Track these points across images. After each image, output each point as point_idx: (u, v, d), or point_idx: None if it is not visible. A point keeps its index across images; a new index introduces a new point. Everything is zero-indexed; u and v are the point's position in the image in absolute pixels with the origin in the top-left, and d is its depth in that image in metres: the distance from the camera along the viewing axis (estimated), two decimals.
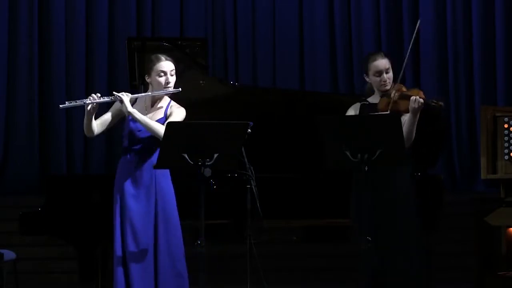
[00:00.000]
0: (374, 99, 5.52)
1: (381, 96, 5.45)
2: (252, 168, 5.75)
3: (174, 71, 5.42)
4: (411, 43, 5.47)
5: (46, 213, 6.17)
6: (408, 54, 5.46)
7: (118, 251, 5.34)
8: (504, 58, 10.05)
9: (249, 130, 5.14)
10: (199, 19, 10.23)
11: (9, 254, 6.67)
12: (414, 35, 5.46)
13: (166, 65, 5.40)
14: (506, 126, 6.64)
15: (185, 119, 5.42)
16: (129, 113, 5.29)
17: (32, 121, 9.98)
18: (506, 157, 6.62)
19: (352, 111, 5.54)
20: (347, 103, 5.66)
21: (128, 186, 5.37)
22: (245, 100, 6.78)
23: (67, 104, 5.29)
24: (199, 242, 5.10)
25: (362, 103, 5.52)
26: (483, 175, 6.72)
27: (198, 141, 5.06)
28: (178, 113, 5.41)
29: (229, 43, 10.27)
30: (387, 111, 5.34)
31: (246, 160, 5.68)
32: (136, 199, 5.36)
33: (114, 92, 5.33)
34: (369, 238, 5.01)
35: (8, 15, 10.00)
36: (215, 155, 5.08)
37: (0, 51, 9.97)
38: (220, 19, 10.29)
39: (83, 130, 5.42)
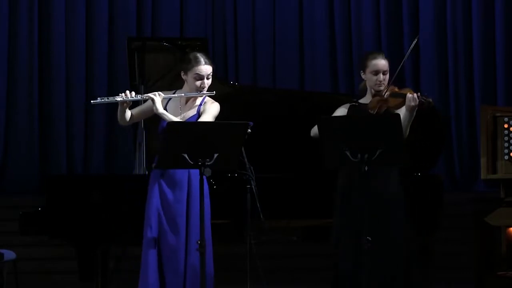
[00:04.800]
0: (365, 99, 5.56)
1: (373, 96, 5.49)
2: (252, 168, 5.74)
3: (211, 74, 5.44)
4: (407, 54, 5.52)
5: (46, 213, 6.17)
6: (402, 62, 5.50)
7: (154, 232, 5.34)
8: (504, 58, 10.06)
9: (249, 130, 5.15)
10: (199, 19, 10.23)
11: (9, 254, 6.67)
12: (410, 48, 5.50)
13: (205, 69, 5.42)
14: (506, 126, 6.65)
15: (217, 115, 5.44)
16: (159, 114, 5.33)
17: (32, 121, 9.98)
18: (506, 157, 6.62)
19: (340, 112, 5.57)
20: (347, 103, 5.67)
21: (163, 183, 5.40)
22: (245, 100, 6.79)
23: (98, 100, 5.35)
24: (199, 242, 5.11)
25: (351, 103, 5.56)
26: (483, 175, 6.73)
27: (198, 141, 5.06)
28: (211, 110, 5.44)
29: (229, 43, 10.27)
30: (377, 108, 5.38)
31: (246, 160, 5.68)
32: (170, 196, 5.37)
33: (147, 94, 5.39)
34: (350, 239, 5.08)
35: (8, 15, 9.99)
36: (215, 155, 5.08)
37: (0, 51, 9.97)
38: (220, 19, 10.29)
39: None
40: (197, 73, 5.41)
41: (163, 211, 5.38)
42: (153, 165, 5.35)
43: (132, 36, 9.36)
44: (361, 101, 5.58)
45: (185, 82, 5.49)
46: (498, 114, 6.71)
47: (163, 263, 5.36)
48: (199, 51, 5.79)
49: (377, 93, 5.48)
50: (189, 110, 5.49)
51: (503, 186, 6.71)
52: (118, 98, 5.33)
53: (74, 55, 10.08)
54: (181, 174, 5.39)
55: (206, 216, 5.35)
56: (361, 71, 5.57)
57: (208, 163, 5.08)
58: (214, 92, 5.44)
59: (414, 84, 9.93)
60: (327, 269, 5.72)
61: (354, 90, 10.01)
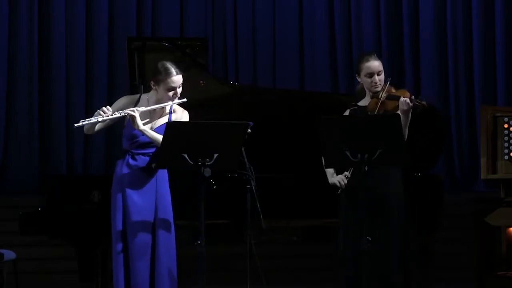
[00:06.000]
0: (364, 101, 5.55)
1: (371, 98, 5.49)
2: (252, 168, 5.74)
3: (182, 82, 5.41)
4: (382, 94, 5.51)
5: (46, 213, 6.17)
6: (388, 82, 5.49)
7: (120, 232, 5.34)
8: (504, 58, 10.06)
9: (249, 130, 5.15)
10: (199, 19, 10.23)
11: (9, 254, 6.68)
12: (385, 89, 5.47)
13: (177, 79, 5.35)
14: (506, 126, 6.65)
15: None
16: (141, 131, 5.30)
17: (32, 121, 9.98)
18: (506, 157, 6.62)
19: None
20: (347, 103, 5.67)
21: (129, 187, 5.37)
22: (245, 100, 6.79)
23: (81, 122, 5.31)
24: (199, 242, 5.11)
25: (351, 108, 5.55)
26: (483, 175, 6.72)
27: (198, 141, 5.06)
28: (184, 119, 5.42)
29: (229, 43, 10.27)
30: (376, 111, 5.38)
31: (246, 160, 5.67)
32: (137, 199, 5.35)
33: (125, 110, 5.33)
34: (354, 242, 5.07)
35: (8, 15, 10.00)
36: (215, 155, 5.08)
37: (0, 51, 9.97)
38: (220, 19, 10.29)
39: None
40: (170, 86, 5.33)
41: (129, 215, 5.35)
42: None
43: (132, 36, 9.36)
44: (360, 103, 5.57)
45: (155, 90, 5.40)
46: (498, 114, 6.71)
47: (129, 265, 5.35)
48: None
49: (374, 95, 5.48)
50: (159, 118, 5.44)
51: (503, 186, 6.70)
52: (100, 118, 5.28)
53: (74, 55, 10.08)
54: (147, 178, 5.37)
55: (171, 221, 5.37)
56: (356, 75, 5.57)
57: (208, 163, 5.08)
58: (186, 99, 5.39)
59: (414, 84, 9.92)
60: (327, 269, 5.73)
61: (354, 90, 10.00)
